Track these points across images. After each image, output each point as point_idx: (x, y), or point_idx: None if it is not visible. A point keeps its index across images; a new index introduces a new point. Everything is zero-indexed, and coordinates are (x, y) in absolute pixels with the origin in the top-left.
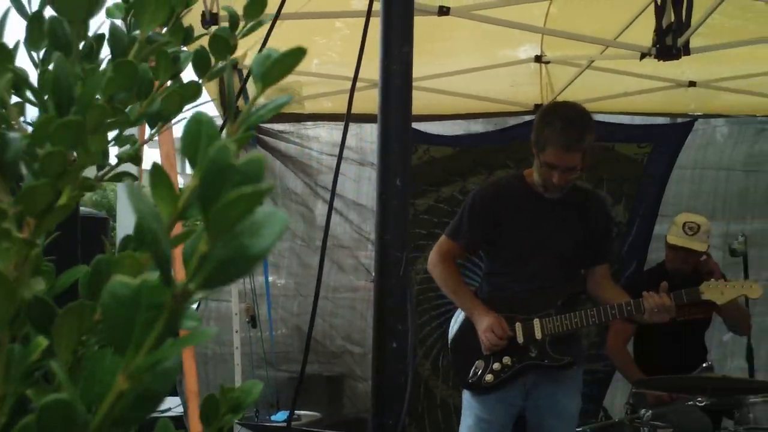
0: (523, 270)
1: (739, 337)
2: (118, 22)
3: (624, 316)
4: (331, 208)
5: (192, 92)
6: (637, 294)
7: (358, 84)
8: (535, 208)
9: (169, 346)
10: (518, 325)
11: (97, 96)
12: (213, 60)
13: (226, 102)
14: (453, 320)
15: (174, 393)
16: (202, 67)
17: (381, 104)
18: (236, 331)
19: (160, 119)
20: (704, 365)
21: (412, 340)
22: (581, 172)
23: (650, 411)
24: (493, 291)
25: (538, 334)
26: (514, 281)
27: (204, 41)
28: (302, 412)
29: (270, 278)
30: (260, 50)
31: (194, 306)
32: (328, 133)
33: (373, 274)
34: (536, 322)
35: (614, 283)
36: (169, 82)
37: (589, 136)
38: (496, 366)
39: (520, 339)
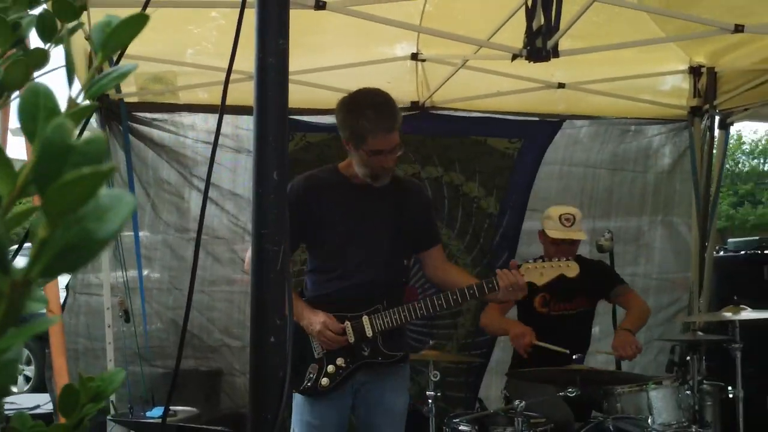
0: (345, 265)
1: (605, 329)
2: None
3: (451, 305)
4: (205, 202)
5: (38, 59)
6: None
7: (235, 76)
8: (351, 198)
9: (11, 337)
10: (348, 324)
11: None
12: (59, 24)
13: (66, 71)
14: None
15: (43, 390)
16: (46, 32)
17: (257, 97)
18: (108, 326)
19: (5, 89)
20: (574, 357)
21: (290, 335)
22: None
23: (524, 402)
24: (317, 290)
25: (369, 332)
26: (337, 278)
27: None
28: (179, 408)
29: (144, 272)
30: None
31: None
32: (203, 121)
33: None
34: (365, 319)
35: (454, 265)
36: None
37: (399, 114)
38: (330, 369)
39: (351, 338)
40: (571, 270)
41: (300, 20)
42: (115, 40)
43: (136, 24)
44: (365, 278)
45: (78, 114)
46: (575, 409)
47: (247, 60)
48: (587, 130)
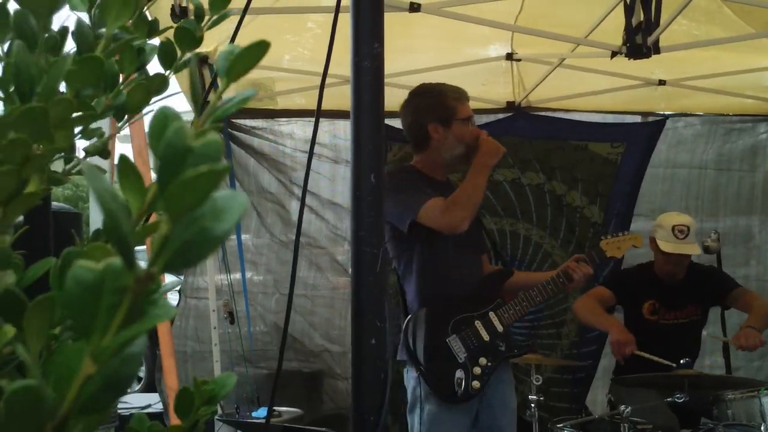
0: (453, 264)
1: (715, 334)
2: (84, 15)
3: (558, 288)
4: (303, 204)
5: (158, 84)
6: (623, 290)
7: (331, 80)
8: (440, 194)
9: (134, 328)
10: (478, 324)
11: (63, 90)
12: (179, 52)
13: (192, 96)
14: (410, 330)
15: (154, 390)
16: (167, 60)
17: (353, 101)
18: (214, 328)
19: (127, 112)
20: (681, 362)
21: (391, 338)
22: None
23: (630, 407)
24: (433, 294)
25: (500, 327)
26: (448, 278)
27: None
28: (283, 409)
29: (247, 275)
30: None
31: (175, 301)
32: (301, 130)
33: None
34: (492, 315)
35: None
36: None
37: None
38: (476, 370)
39: (486, 337)
40: (638, 241)
41: (393, 23)
42: (240, 66)
43: (259, 51)
44: (475, 275)
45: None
46: (683, 415)
47: (342, 64)
48: (691, 129)
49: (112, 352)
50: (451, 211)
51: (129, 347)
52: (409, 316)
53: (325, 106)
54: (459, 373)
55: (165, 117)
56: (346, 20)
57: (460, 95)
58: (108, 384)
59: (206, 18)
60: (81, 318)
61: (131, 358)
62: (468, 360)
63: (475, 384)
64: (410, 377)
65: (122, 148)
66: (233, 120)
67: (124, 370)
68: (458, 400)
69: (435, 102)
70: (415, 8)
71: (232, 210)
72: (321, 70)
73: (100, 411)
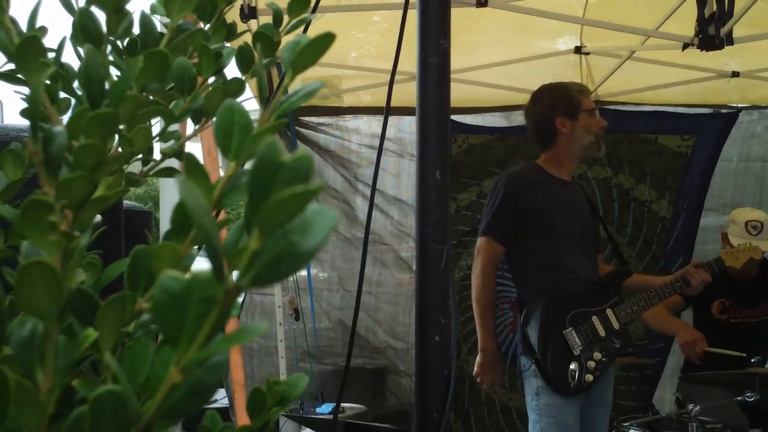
0: (573, 260)
1: None
2: (165, 19)
3: (675, 292)
4: (372, 201)
5: (235, 88)
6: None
7: (397, 77)
8: (561, 193)
9: (221, 342)
10: (595, 319)
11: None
12: (256, 56)
13: (259, 89)
14: (527, 321)
15: (219, 385)
16: (245, 64)
17: (419, 97)
18: (280, 324)
19: (204, 115)
20: (753, 360)
21: (455, 335)
22: None
23: (698, 406)
24: (550, 287)
25: (616, 324)
26: (568, 273)
27: (246, 37)
28: (346, 405)
29: (312, 271)
30: None
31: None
32: (367, 125)
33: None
34: (609, 312)
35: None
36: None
37: None
38: (590, 364)
39: (602, 332)
40: (757, 252)
41: (460, 18)
42: (305, 58)
43: (324, 43)
44: (592, 272)
45: (271, 129)
46: (754, 414)
47: (408, 60)
48: (765, 122)
49: (199, 362)
50: (477, 273)
51: (214, 358)
52: (526, 307)
53: (391, 102)
54: (573, 365)
55: (231, 112)
56: (412, 16)
57: (582, 88)
58: (193, 392)
59: (284, 21)
60: (168, 326)
61: (217, 366)
62: (583, 353)
63: (588, 378)
64: (527, 369)
65: (192, 147)
66: (300, 117)
67: (210, 379)
68: (571, 392)
69: (561, 96)
70: (482, 3)
71: (321, 226)
72: (387, 66)
73: (179, 418)
